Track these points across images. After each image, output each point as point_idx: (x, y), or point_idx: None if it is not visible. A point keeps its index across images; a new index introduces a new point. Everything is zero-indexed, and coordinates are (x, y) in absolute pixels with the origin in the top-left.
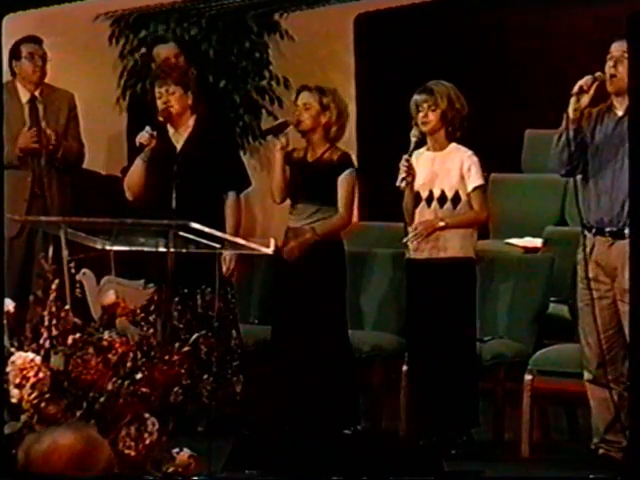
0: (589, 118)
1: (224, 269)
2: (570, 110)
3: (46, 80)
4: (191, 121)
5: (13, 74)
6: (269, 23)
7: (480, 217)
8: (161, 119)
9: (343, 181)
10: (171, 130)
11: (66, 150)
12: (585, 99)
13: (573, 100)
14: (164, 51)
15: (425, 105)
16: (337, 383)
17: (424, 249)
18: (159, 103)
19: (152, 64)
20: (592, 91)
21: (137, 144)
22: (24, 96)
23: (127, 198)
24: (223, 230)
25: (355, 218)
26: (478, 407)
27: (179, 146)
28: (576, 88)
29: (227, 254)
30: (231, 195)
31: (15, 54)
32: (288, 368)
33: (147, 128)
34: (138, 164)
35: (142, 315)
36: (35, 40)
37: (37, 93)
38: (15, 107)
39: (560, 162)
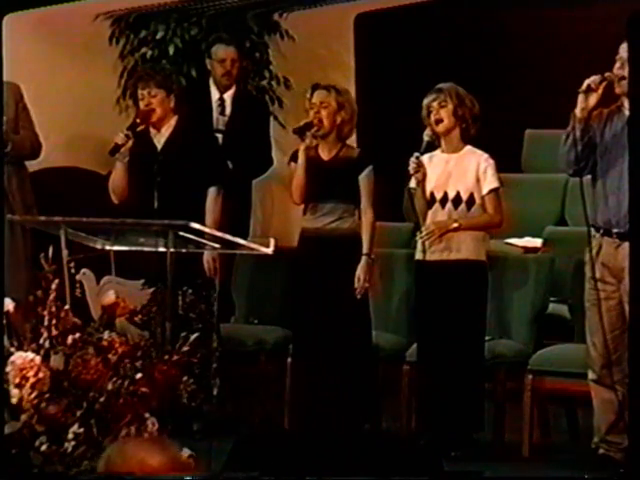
0: (599, 118)
1: (206, 270)
2: (577, 109)
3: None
4: (173, 121)
5: None
6: (269, 23)
7: (494, 220)
8: (138, 121)
9: (365, 179)
10: (153, 131)
11: (18, 144)
12: (593, 98)
13: (581, 99)
14: (222, 52)
15: (435, 104)
16: (359, 383)
17: (435, 250)
18: (141, 105)
19: (207, 60)
20: (600, 90)
21: (113, 145)
22: None
23: (113, 201)
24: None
25: None
26: (484, 411)
27: (160, 146)
28: (584, 86)
29: (208, 255)
30: (212, 191)
31: None
32: (311, 368)
33: (123, 128)
34: (118, 166)
35: (142, 316)
36: None
37: None
38: None
39: (567, 161)
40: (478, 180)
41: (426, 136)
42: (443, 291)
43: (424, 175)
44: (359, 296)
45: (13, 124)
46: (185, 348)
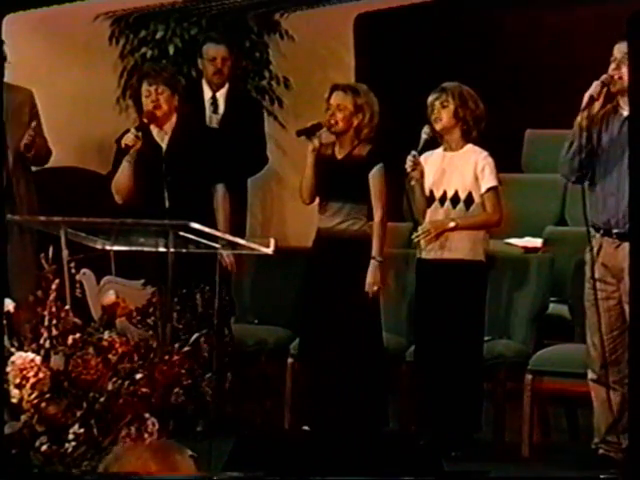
0: (596, 120)
1: (225, 265)
2: (580, 117)
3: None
4: (173, 119)
5: None
6: (269, 23)
7: (492, 219)
8: (145, 120)
9: (375, 177)
10: (155, 130)
11: (38, 148)
12: (596, 106)
13: (583, 108)
14: (212, 50)
15: (437, 103)
16: (370, 385)
17: (432, 249)
18: (147, 101)
19: (199, 59)
20: (602, 98)
21: (122, 146)
22: None
23: (117, 201)
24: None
25: None
26: (482, 411)
27: (165, 145)
28: (586, 99)
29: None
30: (219, 188)
31: None
32: (321, 370)
33: (132, 129)
34: (125, 167)
35: (141, 316)
36: None
37: None
38: None
39: (571, 169)
40: (476, 179)
41: (424, 134)
42: (440, 290)
43: (422, 173)
44: (369, 298)
45: (28, 128)
46: (186, 348)
